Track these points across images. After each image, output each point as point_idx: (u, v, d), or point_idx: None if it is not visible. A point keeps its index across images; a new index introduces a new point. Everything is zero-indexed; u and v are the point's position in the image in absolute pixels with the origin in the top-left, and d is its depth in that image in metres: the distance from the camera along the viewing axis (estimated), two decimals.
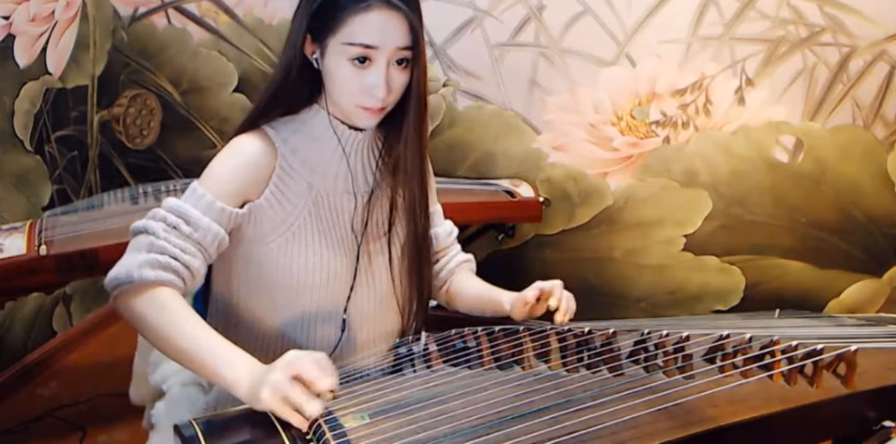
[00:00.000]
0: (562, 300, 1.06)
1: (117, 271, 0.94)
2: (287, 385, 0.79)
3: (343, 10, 0.94)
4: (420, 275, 1.13)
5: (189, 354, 0.89)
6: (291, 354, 0.83)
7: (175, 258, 0.95)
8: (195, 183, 1.01)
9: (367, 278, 1.11)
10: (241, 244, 1.05)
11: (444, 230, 1.24)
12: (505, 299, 1.12)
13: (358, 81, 0.97)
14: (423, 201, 1.10)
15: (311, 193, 1.05)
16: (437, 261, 1.23)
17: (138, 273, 0.92)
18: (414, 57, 0.98)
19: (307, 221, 1.05)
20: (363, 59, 0.96)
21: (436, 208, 1.22)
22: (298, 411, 0.79)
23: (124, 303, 0.94)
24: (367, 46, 0.95)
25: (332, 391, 0.82)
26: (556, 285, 1.08)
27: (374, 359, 1.03)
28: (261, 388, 0.80)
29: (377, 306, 1.13)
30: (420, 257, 1.12)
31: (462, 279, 1.24)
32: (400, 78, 0.99)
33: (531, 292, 1.07)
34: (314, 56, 1.00)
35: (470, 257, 1.27)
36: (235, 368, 0.85)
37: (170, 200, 0.99)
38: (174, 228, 0.96)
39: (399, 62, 0.98)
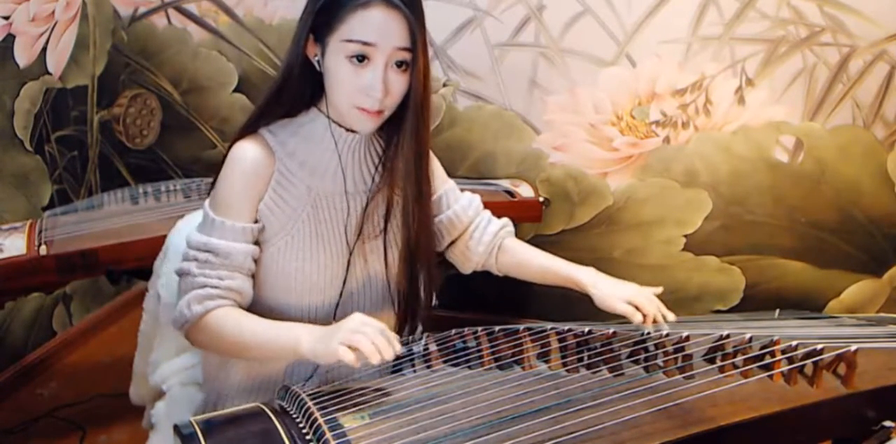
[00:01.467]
0: (650, 316, 1.10)
1: (175, 314, 1.05)
2: (361, 326, 0.89)
3: (343, 7, 0.95)
4: (414, 276, 1.12)
5: (257, 346, 0.98)
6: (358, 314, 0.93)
7: (215, 287, 1.01)
8: (208, 211, 1.05)
9: (362, 277, 1.11)
10: None
11: (461, 206, 1.23)
12: (588, 286, 1.14)
13: (356, 80, 0.97)
14: (418, 204, 1.09)
15: (310, 196, 1.06)
16: (470, 236, 1.23)
17: (189, 312, 1.02)
18: (413, 60, 0.98)
19: (306, 223, 1.06)
20: (361, 58, 0.96)
21: (446, 189, 1.22)
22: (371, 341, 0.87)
23: (195, 339, 1.05)
24: (365, 43, 0.95)
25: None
26: (651, 312, 1.10)
27: None
28: (334, 333, 0.89)
29: (373, 306, 1.13)
30: (414, 258, 1.11)
31: (516, 249, 1.25)
32: (399, 81, 0.99)
33: (636, 318, 1.09)
34: (316, 58, 1.01)
35: (506, 221, 1.28)
36: (295, 336, 0.94)
37: (193, 237, 1.04)
38: (206, 262, 1.02)
39: (399, 65, 0.98)
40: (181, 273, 1.04)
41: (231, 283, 1.02)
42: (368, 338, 0.87)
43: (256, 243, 1.04)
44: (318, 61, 1.01)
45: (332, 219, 1.08)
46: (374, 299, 1.13)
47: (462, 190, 1.28)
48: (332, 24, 0.96)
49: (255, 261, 1.05)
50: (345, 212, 1.08)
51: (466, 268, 1.28)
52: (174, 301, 1.08)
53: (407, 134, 1.04)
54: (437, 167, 1.22)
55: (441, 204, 1.21)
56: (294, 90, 1.04)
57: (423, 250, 1.12)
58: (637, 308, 1.09)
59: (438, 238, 1.23)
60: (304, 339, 0.93)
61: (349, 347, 0.86)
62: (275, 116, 1.06)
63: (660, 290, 1.15)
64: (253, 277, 1.08)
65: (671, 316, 1.11)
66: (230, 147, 1.05)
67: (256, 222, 1.04)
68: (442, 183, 1.22)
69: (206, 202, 1.06)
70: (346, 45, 0.96)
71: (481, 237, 1.24)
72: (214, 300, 1.01)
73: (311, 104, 1.07)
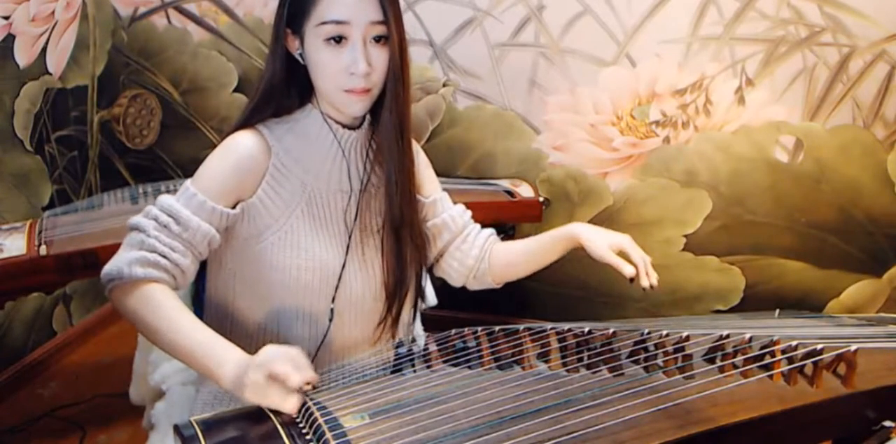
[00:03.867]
0: (640, 268, 1.07)
1: (110, 267, 0.98)
2: (264, 385, 0.83)
3: None
4: (401, 253, 1.10)
5: (178, 347, 0.93)
6: (265, 351, 0.85)
7: (164, 256, 0.97)
8: (188, 182, 1.02)
9: (362, 274, 1.11)
10: (235, 242, 1.06)
11: (456, 212, 1.23)
12: (581, 235, 1.13)
13: (337, 61, 0.97)
14: (401, 175, 1.07)
15: (305, 193, 1.06)
16: (465, 239, 1.23)
17: (128, 270, 0.95)
18: (390, 33, 0.98)
19: (300, 219, 1.05)
20: (339, 39, 0.97)
21: (440, 195, 1.22)
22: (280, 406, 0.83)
23: (117, 298, 0.98)
24: (339, 22, 0.96)
25: (308, 383, 0.84)
26: (638, 262, 1.08)
27: (374, 359, 1.03)
28: (243, 388, 0.84)
29: (373, 302, 1.13)
30: (399, 232, 1.09)
31: (503, 248, 1.24)
32: (379, 55, 0.99)
33: (626, 269, 1.07)
34: (297, 52, 1.01)
35: (491, 231, 1.27)
36: (221, 363, 0.89)
37: (163, 199, 1.01)
38: (165, 226, 0.98)
39: (377, 40, 0.98)
40: (135, 227, 0.99)
41: (180, 259, 0.98)
42: (272, 396, 0.83)
43: (221, 232, 1.02)
44: (301, 54, 1.01)
45: (328, 215, 1.08)
46: (372, 296, 1.13)
47: (462, 190, 1.28)
48: (305, 12, 0.97)
49: (213, 250, 1.03)
50: (341, 208, 1.08)
51: (459, 277, 1.26)
52: None
53: (387, 106, 1.03)
54: (430, 173, 1.22)
55: (436, 207, 1.21)
56: (281, 88, 1.04)
57: (407, 222, 1.10)
58: (627, 260, 1.09)
59: (432, 241, 1.23)
60: (227, 371, 0.87)
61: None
62: (266, 114, 1.06)
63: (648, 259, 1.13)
64: (232, 272, 1.08)
65: (654, 276, 1.09)
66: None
67: (233, 208, 1.02)
68: (437, 189, 1.22)
69: (189, 179, 1.03)
70: (322, 28, 0.96)
71: (475, 241, 1.23)
72: (159, 271, 0.96)
73: (305, 101, 1.07)
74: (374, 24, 0.97)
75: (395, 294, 1.12)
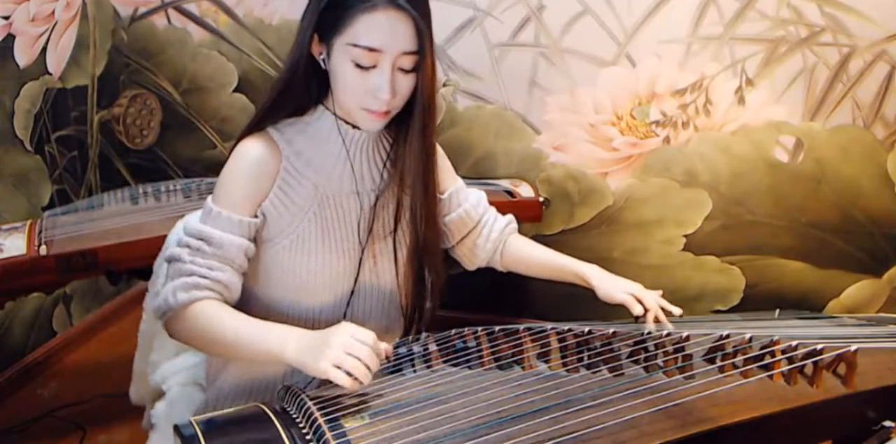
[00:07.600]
0: (651, 311, 1.12)
1: (158, 301, 1.01)
2: (353, 343, 0.86)
3: (349, 9, 0.93)
4: (421, 277, 1.12)
5: (240, 346, 0.95)
6: (347, 323, 0.90)
7: (204, 277, 0.99)
8: (209, 201, 1.04)
9: (371, 277, 1.11)
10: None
11: (471, 204, 1.23)
12: (591, 277, 1.17)
13: (362, 83, 0.96)
14: (426, 202, 1.09)
15: (317, 195, 1.05)
16: (479, 233, 1.24)
17: (173, 299, 0.99)
18: (421, 61, 0.97)
19: (312, 222, 1.05)
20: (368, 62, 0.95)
21: (455, 188, 1.21)
22: (364, 363, 0.85)
23: (174, 329, 1.01)
24: (372, 49, 0.94)
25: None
26: (652, 306, 1.12)
27: None
28: (323, 349, 0.86)
29: (381, 306, 1.13)
30: (421, 264, 1.11)
31: (519, 245, 1.26)
32: (406, 82, 0.98)
33: (636, 308, 1.12)
34: (321, 57, 1.00)
35: (510, 218, 1.28)
36: (283, 344, 0.91)
37: (189, 224, 1.03)
38: (198, 250, 1.01)
39: (404, 67, 0.97)
40: (171, 259, 1.02)
41: (220, 275, 1.00)
42: (361, 361, 0.85)
43: (253, 240, 1.04)
44: (324, 60, 1.00)
45: (341, 218, 1.07)
46: (383, 299, 1.13)
47: None
48: (338, 26, 0.95)
49: (249, 259, 1.04)
50: (353, 211, 1.08)
51: (472, 265, 1.28)
52: None
53: (415, 133, 1.04)
54: (446, 165, 1.21)
55: (451, 202, 1.21)
56: (299, 89, 1.03)
57: (430, 249, 1.11)
58: (639, 302, 1.11)
59: (448, 236, 1.23)
60: (290, 346, 0.90)
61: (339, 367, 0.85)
62: (280, 114, 1.05)
63: (660, 292, 1.16)
64: (245, 274, 1.07)
65: (677, 311, 1.12)
66: (235, 144, 1.05)
67: (255, 217, 1.03)
68: (452, 181, 1.22)
69: (210, 196, 1.05)
70: (352, 50, 0.94)
71: (489, 234, 1.24)
72: (202, 291, 0.99)
73: (318, 102, 1.06)
74: (406, 55, 0.95)
75: (412, 318, 1.14)
